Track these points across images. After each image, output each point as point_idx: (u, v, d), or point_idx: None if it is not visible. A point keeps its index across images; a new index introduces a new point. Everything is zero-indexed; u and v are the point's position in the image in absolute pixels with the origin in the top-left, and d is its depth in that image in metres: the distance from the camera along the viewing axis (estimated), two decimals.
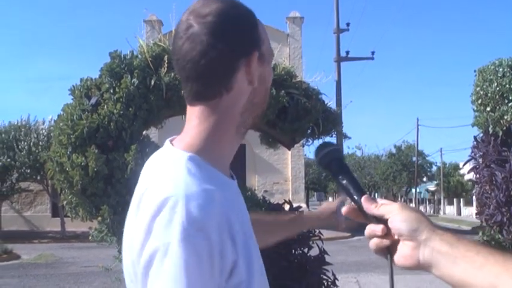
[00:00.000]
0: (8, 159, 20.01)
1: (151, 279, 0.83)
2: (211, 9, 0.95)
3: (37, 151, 19.40)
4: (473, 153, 6.16)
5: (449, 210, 47.47)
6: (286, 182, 22.59)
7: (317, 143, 3.99)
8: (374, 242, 0.90)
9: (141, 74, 3.35)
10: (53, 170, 3.43)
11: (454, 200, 46.46)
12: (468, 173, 6.65)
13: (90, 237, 3.80)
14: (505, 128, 5.76)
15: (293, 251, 3.86)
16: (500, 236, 5.77)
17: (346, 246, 16.23)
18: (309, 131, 3.84)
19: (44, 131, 20.54)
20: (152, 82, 3.35)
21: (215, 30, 0.93)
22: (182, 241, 0.81)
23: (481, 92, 6.01)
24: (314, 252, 4.00)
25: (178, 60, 0.97)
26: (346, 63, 25.21)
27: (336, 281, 3.95)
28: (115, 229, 3.24)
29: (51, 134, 4.59)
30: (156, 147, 0.95)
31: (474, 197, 7.45)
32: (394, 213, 0.87)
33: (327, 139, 4.02)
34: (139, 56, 3.51)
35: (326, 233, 4.22)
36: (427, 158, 50.42)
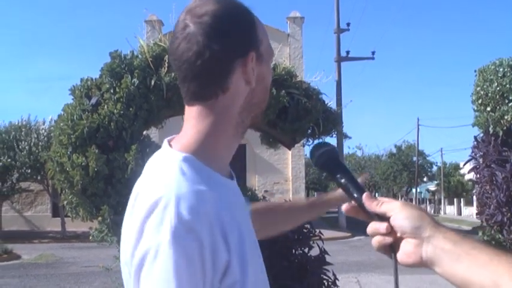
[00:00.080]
0: (9, 159, 20.02)
1: (143, 280, 0.83)
2: (208, 9, 0.95)
3: (37, 151, 19.41)
4: (473, 153, 6.16)
5: (450, 210, 47.45)
6: (286, 182, 22.59)
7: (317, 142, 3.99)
8: (377, 240, 0.89)
9: (141, 74, 3.35)
10: (53, 170, 3.44)
11: (455, 200, 46.42)
12: (468, 172, 6.65)
13: (90, 237, 3.80)
14: (505, 128, 5.76)
15: (293, 251, 3.86)
16: (500, 235, 5.77)
17: (346, 246, 16.23)
18: (310, 131, 3.84)
19: (44, 131, 20.55)
20: (152, 82, 3.35)
21: (211, 31, 0.93)
22: (172, 242, 0.82)
23: (482, 92, 6.01)
24: (314, 252, 4.00)
25: (175, 61, 0.98)
26: (346, 63, 25.23)
27: (337, 281, 3.95)
28: (115, 229, 3.24)
29: (52, 134, 4.59)
30: (157, 147, 0.96)
31: (474, 197, 7.45)
32: (396, 211, 0.87)
33: (327, 139, 4.03)
34: (140, 56, 3.51)
35: (326, 233, 4.22)
36: (427, 158, 50.47)
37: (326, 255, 3.98)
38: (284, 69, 3.81)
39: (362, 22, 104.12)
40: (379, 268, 11.17)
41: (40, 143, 19.93)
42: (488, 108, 5.90)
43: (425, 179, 53.55)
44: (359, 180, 1.54)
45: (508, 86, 5.82)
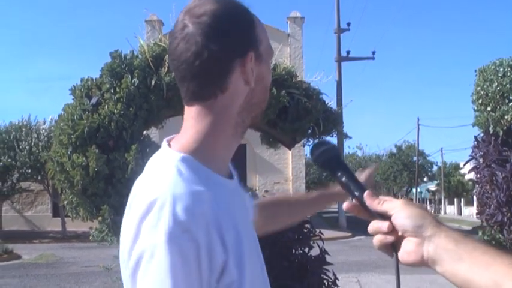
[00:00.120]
0: (9, 159, 20.03)
1: (139, 280, 0.84)
2: (206, 9, 0.95)
3: (38, 151, 19.42)
4: (473, 153, 6.16)
5: (450, 210, 47.44)
6: (286, 182, 22.58)
7: None
8: (378, 239, 0.88)
9: (141, 74, 3.35)
10: (53, 170, 3.44)
11: (455, 199, 46.42)
12: (469, 172, 6.64)
13: (90, 237, 3.80)
14: (505, 127, 5.76)
15: (294, 250, 3.86)
16: (500, 235, 5.77)
17: (347, 246, 16.24)
18: (310, 130, 3.84)
19: (44, 131, 20.56)
20: (153, 82, 3.35)
21: (209, 31, 0.93)
22: (168, 243, 0.82)
23: (482, 92, 6.00)
24: (315, 252, 4.00)
25: (174, 61, 0.98)
26: (346, 63, 25.25)
27: (337, 281, 3.95)
28: (115, 229, 3.24)
29: (52, 134, 4.59)
30: (157, 147, 0.96)
31: (475, 197, 7.45)
32: (398, 209, 0.86)
33: (328, 139, 4.02)
34: (140, 56, 3.51)
35: (327, 233, 4.22)
36: (427, 158, 50.45)
37: (326, 255, 3.98)
38: (284, 69, 3.81)
39: (362, 22, 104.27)
40: (379, 268, 11.17)
41: (40, 143, 19.94)
42: (489, 108, 5.89)
43: (425, 179, 53.54)
44: (368, 171, 1.55)
45: (508, 85, 5.81)
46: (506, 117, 5.70)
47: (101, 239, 3.60)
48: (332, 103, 4.17)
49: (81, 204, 3.35)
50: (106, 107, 3.28)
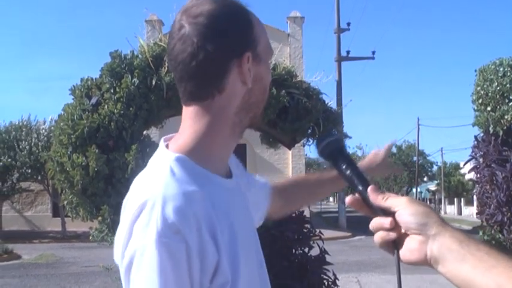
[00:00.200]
0: (9, 159, 20.03)
1: (131, 281, 0.85)
2: (203, 9, 0.94)
3: (38, 151, 19.42)
4: (473, 153, 6.16)
5: (450, 209, 47.42)
6: None
7: None
8: (380, 236, 0.86)
9: (141, 74, 3.35)
10: (53, 170, 3.44)
11: (455, 199, 46.39)
12: (469, 172, 6.65)
13: (90, 237, 3.80)
14: (505, 127, 5.76)
15: (294, 250, 3.86)
16: (500, 235, 5.77)
17: (347, 246, 16.24)
18: (310, 130, 3.83)
19: (44, 131, 20.56)
20: (153, 82, 3.35)
21: (206, 32, 0.93)
22: (157, 243, 0.83)
23: (482, 92, 6.00)
24: (315, 252, 4.00)
25: (171, 61, 0.98)
26: (346, 62, 25.23)
27: (337, 281, 3.95)
28: (115, 229, 3.23)
29: (52, 134, 4.59)
30: (157, 147, 0.97)
31: (475, 197, 7.45)
32: (402, 206, 0.85)
33: None
34: (140, 55, 3.51)
35: (327, 233, 4.22)
36: (427, 158, 50.47)
37: (326, 255, 3.98)
38: (284, 69, 3.81)
39: (362, 22, 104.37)
40: (379, 268, 11.17)
41: (40, 143, 19.94)
42: (489, 108, 5.89)
43: (425, 179, 53.54)
44: (386, 148, 1.56)
45: (508, 85, 5.81)
46: (506, 117, 5.70)
47: (101, 239, 3.60)
48: (332, 103, 4.17)
49: (81, 204, 3.35)
50: (106, 107, 3.28)
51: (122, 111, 3.25)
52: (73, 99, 3.47)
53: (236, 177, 1.07)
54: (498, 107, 5.83)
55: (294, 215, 3.98)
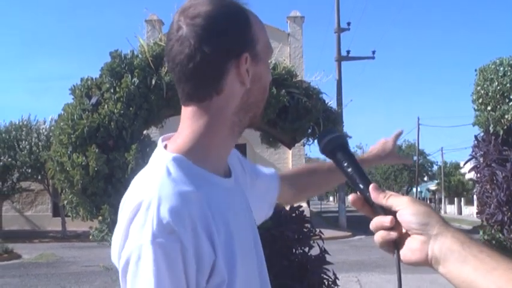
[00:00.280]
0: (9, 159, 20.04)
1: (127, 282, 0.85)
2: (201, 10, 0.94)
3: (38, 151, 19.42)
4: (474, 153, 6.16)
5: (450, 209, 47.40)
6: None
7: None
8: (380, 235, 0.85)
9: (141, 74, 3.35)
10: (53, 170, 3.44)
11: (455, 199, 46.36)
12: (469, 172, 6.66)
13: (90, 237, 3.80)
14: (505, 127, 5.76)
15: (294, 250, 3.86)
16: (501, 235, 5.77)
17: (347, 246, 16.23)
18: (310, 130, 3.83)
19: (44, 130, 20.56)
20: (153, 82, 3.35)
21: (203, 33, 0.93)
22: (152, 244, 0.83)
23: (482, 91, 6.00)
24: (315, 251, 4.00)
25: (169, 62, 0.98)
26: (346, 62, 25.22)
27: (337, 281, 3.95)
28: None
29: (52, 134, 4.59)
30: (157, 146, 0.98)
31: (475, 196, 7.45)
32: (403, 206, 0.84)
33: None
34: (140, 55, 3.51)
35: (327, 233, 4.22)
36: (428, 157, 50.48)
37: (326, 255, 3.98)
38: (284, 69, 3.80)
39: (362, 22, 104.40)
40: (379, 267, 11.17)
41: (40, 143, 19.94)
42: (489, 108, 5.89)
43: (425, 179, 53.53)
44: (392, 137, 1.56)
45: (508, 85, 5.81)
46: (506, 116, 5.70)
47: (101, 238, 3.60)
48: (332, 103, 4.17)
49: (81, 204, 3.35)
50: (106, 106, 3.28)
51: (121, 111, 3.25)
52: (73, 99, 3.47)
53: (236, 176, 1.07)
54: (498, 106, 5.82)
55: (294, 214, 3.98)
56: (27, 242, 18.94)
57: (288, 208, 3.99)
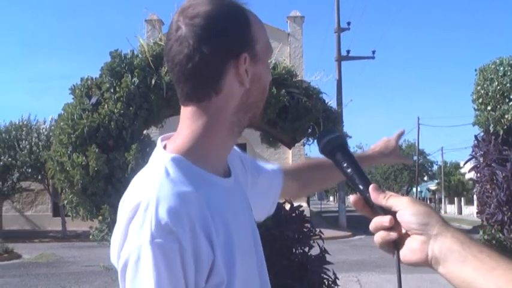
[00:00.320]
0: (9, 159, 20.06)
1: (127, 282, 0.86)
2: (200, 10, 0.94)
3: (38, 150, 19.44)
4: (474, 152, 6.15)
5: (450, 209, 47.41)
6: None
7: None
8: (380, 236, 0.85)
9: (141, 73, 3.35)
10: (53, 170, 3.44)
11: (455, 199, 46.38)
12: (469, 172, 6.65)
13: (90, 237, 3.80)
14: (505, 127, 5.75)
15: (294, 250, 3.86)
16: (501, 235, 5.77)
17: (347, 246, 16.24)
18: (310, 130, 3.83)
19: (44, 130, 20.58)
20: (153, 81, 3.35)
21: (202, 34, 0.93)
22: (151, 244, 0.83)
23: (482, 91, 6.00)
24: (315, 251, 4.00)
25: (168, 62, 0.98)
26: (346, 62, 25.23)
27: (337, 280, 3.94)
28: None
29: (52, 134, 4.60)
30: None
31: (475, 196, 7.44)
32: (403, 206, 0.84)
33: None
34: (140, 55, 3.50)
35: (327, 232, 4.22)
36: (428, 157, 50.52)
37: (326, 255, 3.97)
38: (284, 69, 3.80)
39: (362, 21, 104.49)
40: (379, 267, 11.17)
41: (40, 143, 19.96)
42: (489, 107, 5.89)
43: (425, 178, 53.56)
44: (394, 136, 1.57)
45: (508, 85, 5.80)
46: (506, 116, 5.69)
47: (101, 238, 3.60)
48: (332, 102, 4.17)
49: (81, 204, 3.35)
50: (106, 106, 3.28)
51: (121, 111, 3.25)
52: (73, 98, 3.47)
53: (235, 176, 1.07)
54: (498, 106, 5.82)
55: (294, 214, 3.98)
56: (27, 241, 18.95)
57: (288, 208, 3.99)
